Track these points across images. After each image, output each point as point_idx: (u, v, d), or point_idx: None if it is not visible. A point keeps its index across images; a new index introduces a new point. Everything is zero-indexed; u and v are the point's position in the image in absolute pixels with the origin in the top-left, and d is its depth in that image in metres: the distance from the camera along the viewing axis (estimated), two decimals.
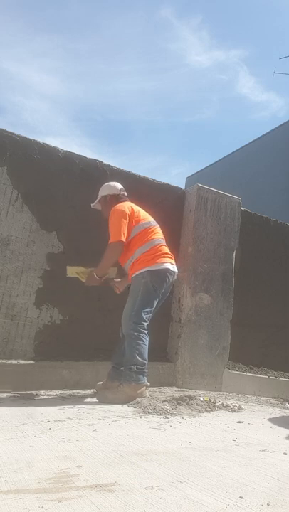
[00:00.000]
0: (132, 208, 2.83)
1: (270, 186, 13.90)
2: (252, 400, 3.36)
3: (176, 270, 2.84)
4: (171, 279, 2.78)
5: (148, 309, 2.67)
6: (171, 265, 2.77)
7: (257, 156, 15.26)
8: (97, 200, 3.02)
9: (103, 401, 2.50)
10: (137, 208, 2.88)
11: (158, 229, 2.91)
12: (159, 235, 2.87)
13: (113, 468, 1.30)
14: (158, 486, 1.17)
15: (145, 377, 2.60)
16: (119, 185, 3.00)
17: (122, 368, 2.70)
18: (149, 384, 2.64)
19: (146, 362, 2.60)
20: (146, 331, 2.65)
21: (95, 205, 3.03)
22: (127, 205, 2.83)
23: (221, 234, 3.91)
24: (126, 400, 2.48)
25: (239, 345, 3.96)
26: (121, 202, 2.88)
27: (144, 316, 2.64)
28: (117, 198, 2.92)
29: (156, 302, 2.73)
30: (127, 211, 2.77)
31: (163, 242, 2.86)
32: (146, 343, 2.63)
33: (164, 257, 2.76)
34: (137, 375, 2.54)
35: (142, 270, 2.69)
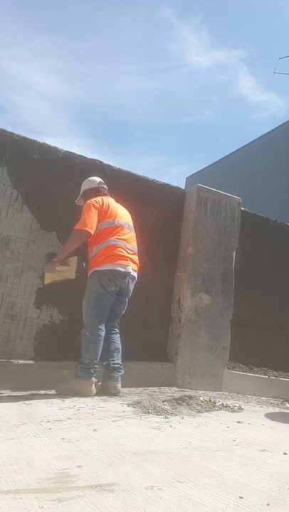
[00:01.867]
0: (104, 203, 2.92)
1: (270, 186, 13.89)
2: (252, 400, 3.36)
3: (130, 271, 2.86)
4: (122, 280, 2.82)
5: (101, 309, 2.80)
6: (121, 266, 2.81)
7: (257, 156, 15.25)
8: (79, 196, 3.13)
9: (58, 391, 2.69)
10: (111, 205, 2.96)
11: (125, 230, 2.94)
12: (121, 236, 2.89)
13: (113, 468, 1.30)
14: (158, 486, 1.17)
15: (92, 375, 2.71)
16: (98, 179, 3.13)
17: (104, 363, 2.83)
18: (96, 380, 2.75)
19: (96, 361, 2.72)
20: (99, 331, 2.76)
21: (79, 201, 3.14)
22: (100, 199, 2.94)
23: (221, 234, 3.91)
24: (68, 393, 2.64)
25: (239, 345, 3.96)
26: (99, 195, 3.00)
27: (97, 316, 2.77)
28: (96, 191, 3.05)
29: (110, 300, 2.83)
30: (97, 204, 2.87)
31: (121, 243, 2.87)
32: (99, 342, 2.74)
33: (116, 258, 2.81)
34: (81, 372, 2.69)
35: (92, 270, 2.82)
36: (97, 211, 2.85)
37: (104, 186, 3.11)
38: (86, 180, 3.13)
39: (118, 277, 2.81)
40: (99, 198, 2.95)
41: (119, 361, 2.89)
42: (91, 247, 2.89)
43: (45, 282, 2.99)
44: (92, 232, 2.80)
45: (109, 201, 3.00)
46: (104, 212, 2.89)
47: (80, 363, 2.71)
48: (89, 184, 3.10)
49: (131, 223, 3.07)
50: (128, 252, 2.90)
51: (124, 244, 2.90)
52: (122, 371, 2.89)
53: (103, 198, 2.98)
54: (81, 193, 3.11)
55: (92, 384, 2.71)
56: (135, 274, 2.95)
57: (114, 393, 2.79)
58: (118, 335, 2.97)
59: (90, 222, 2.80)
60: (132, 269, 2.90)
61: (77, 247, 2.83)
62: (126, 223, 2.98)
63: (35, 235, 3.16)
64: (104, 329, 2.80)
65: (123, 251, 2.86)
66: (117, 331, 2.98)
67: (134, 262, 2.93)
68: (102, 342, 2.76)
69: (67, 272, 2.90)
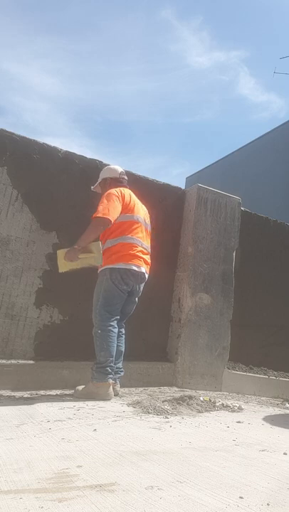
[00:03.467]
0: (125, 195, 2.83)
1: (270, 186, 13.89)
2: (252, 400, 3.36)
3: (143, 271, 2.80)
4: (134, 280, 2.76)
5: (112, 307, 2.73)
6: (136, 266, 2.73)
7: (257, 156, 15.25)
8: (97, 182, 3.08)
9: (76, 395, 2.63)
10: (131, 198, 2.87)
11: (142, 228, 2.86)
12: (138, 234, 2.80)
13: (113, 468, 1.30)
14: (158, 486, 1.17)
15: (109, 375, 2.63)
16: (119, 169, 3.05)
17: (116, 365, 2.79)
18: (113, 382, 2.68)
19: (111, 358, 2.65)
20: (111, 327, 2.69)
21: (96, 187, 3.09)
22: (123, 191, 2.85)
23: (221, 234, 3.91)
24: (86, 396, 2.58)
25: (239, 345, 3.96)
26: (120, 186, 2.92)
27: (108, 313, 2.71)
28: (116, 181, 2.97)
29: (121, 298, 2.77)
30: (120, 195, 2.78)
31: (138, 241, 2.78)
32: (112, 338, 2.67)
33: (131, 257, 2.73)
34: (97, 374, 2.62)
35: (106, 267, 2.74)
36: (120, 202, 2.73)
37: (125, 177, 3.03)
38: (106, 168, 3.05)
39: (131, 277, 2.73)
40: (120, 189, 2.84)
41: (120, 364, 2.87)
42: (104, 240, 2.78)
43: (61, 270, 2.72)
44: (113, 221, 2.67)
45: (130, 194, 2.89)
46: (125, 205, 2.76)
47: (95, 364, 2.65)
48: (110, 173, 3.01)
49: (148, 220, 2.97)
50: (143, 252, 2.83)
51: (141, 243, 2.81)
52: (122, 373, 2.88)
53: (123, 189, 2.87)
54: (99, 180, 3.03)
55: (109, 386, 2.62)
56: (147, 275, 2.89)
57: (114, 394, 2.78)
58: (124, 337, 2.94)
59: (112, 211, 2.66)
60: (145, 269, 2.84)
61: (96, 236, 2.70)
62: (143, 220, 2.88)
63: (35, 235, 3.16)
64: (116, 326, 2.73)
65: (139, 251, 2.78)
66: (124, 332, 2.95)
67: (146, 263, 2.87)
68: (115, 339, 2.69)
69: (91, 258, 2.69)
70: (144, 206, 3.03)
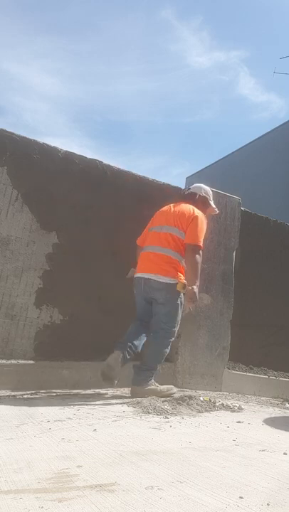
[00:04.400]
0: (155, 214, 3.16)
1: (270, 186, 13.90)
2: (252, 400, 3.36)
3: (143, 276, 2.88)
4: (138, 285, 2.94)
5: (137, 310, 3.03)
6: (137, 274, 2.98)
7: (257, 156, 15.26)
8: None
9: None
10: (156, 214, 3.15)
11: (155, 234, 2.99)
12: (148, 241, 3.02)
13: (113, 468, 1.30)
14: (158, 486, 1.17)
15: (116, 346, 2.74)
16: (189, 188, 3.34)
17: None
18: (117, 352, 2.69)
19: (121, 339, 2.79)
20: (132, 322, 2.98)
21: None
22: (158, 212, 3.16)
23: (221, 234, 3.91)
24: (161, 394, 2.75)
25: (239, 345, 3.96)
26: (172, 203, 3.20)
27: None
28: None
29: (137, 301, 3.01)
30: (151, 218, 3.17)
31: (146, 248, 2.99)
32: (129, 327, 2.92)
33: (138, 267, 3.01)
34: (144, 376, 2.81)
35: None
36: (148, 224, 3.16)
37: (187, 191, 3.30)
38: None
39: (136, 283, 2.96)
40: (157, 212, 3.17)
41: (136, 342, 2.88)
42: None
43: None
44: (138, 242, 3.18)
45: (160, 210, 3.13)
46: (151, 222, 3.15)
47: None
48: None
49: (167, 222, 2.98)
50: (149, 257, 2.92)
51: (147, 248, 2.98)
52: (131, 354, 2.81)
53: (162, 208, 3.14)
54: None
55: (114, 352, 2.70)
56: (152, 277, 2.84)
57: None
58: (150, 339, 2.92)
59: (141, 236, 3.18)
60: (148, 272, 2.87)
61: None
62: (158, 226, 3.02)
63: (35, 235, 3.16)
64: (134, 322, 2.96)
65: (144, 258, 2.95)
66: (150, 335, 2.93)
67: (149, 267, 2.88)
68: (129, 329, 2.90)
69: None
70: (181, 208, 3.02)
